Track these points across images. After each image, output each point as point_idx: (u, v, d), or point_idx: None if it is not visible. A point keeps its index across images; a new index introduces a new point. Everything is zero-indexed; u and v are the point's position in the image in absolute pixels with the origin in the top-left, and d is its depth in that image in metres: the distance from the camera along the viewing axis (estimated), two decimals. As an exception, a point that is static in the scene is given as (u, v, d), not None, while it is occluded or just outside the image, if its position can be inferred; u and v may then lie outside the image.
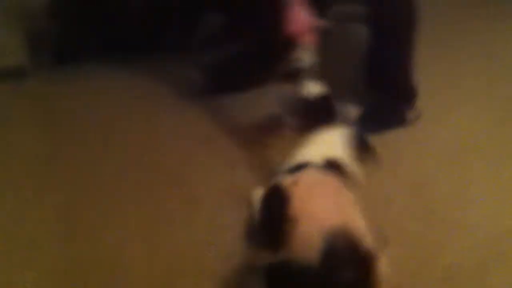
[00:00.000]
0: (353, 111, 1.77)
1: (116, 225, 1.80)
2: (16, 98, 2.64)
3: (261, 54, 2.16)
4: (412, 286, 1.52)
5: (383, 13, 1.91)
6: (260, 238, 1.32)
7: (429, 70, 2.51)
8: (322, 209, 1.13)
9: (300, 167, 1.35)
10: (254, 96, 2.47)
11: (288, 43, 1.65)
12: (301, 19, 1.68)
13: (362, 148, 1.51)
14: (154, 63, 2.78)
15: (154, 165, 2.11)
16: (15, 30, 2.62)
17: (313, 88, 1.56)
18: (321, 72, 1.69)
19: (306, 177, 1.25)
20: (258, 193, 1.61)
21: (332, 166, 1.35)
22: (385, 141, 2.07)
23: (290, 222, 1.09)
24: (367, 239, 1.10)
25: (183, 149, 2.21)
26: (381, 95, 2.11)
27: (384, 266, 1.09)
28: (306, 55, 1.64)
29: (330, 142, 1.48)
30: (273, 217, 1.17)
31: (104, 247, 1.71)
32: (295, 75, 1.64)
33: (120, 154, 2.20)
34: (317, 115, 1.55)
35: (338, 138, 1.50)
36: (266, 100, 2.18)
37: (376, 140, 1.69)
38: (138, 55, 2.75)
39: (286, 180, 1.23)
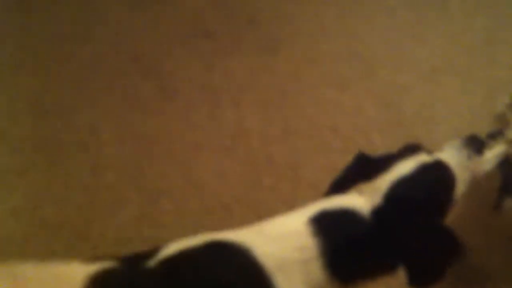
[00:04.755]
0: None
1: (90, 109, 1.87)
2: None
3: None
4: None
5: None
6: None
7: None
8: None
9: None
10: None
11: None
12: None
13: None
14: None
15: (132, 55, 2.14)
16: None
17: None
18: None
19: None
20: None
21: None
22: (360, 55, 2.10)
23: None
24: None
25: (165, 44, 2.22)
26: None
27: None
28: None
29: None
30: None
31: (77, 127, 1.78)
32: None
33: (99, 42, 2.21)
34: None
35: None
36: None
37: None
38: None
39: None
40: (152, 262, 0.82)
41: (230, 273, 0.82)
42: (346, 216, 0.87)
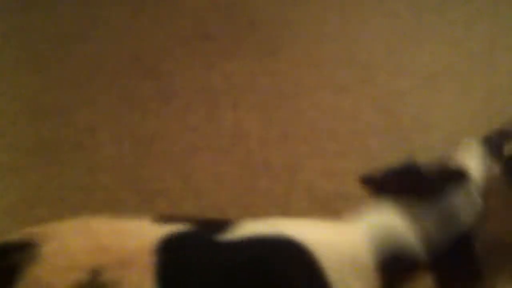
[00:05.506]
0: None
1: (88, 109, 1.87)
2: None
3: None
4: (365, 193, 1.62)
5: None
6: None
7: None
8: None
9: None
10: None
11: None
12: None
13: None
14: None
15: (132, 56, 2.14)
16: None
17: None
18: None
19: None
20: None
21: None
22: (360, 59, 2.10)
23: None
24: None
25: (165, 45, 2.23)
26: None
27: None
28: None
29: None
30: None
31: (75, 127, 1.78)
32: None
33: (98, 42, 2.21)
34: None
35: None
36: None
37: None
38: None
39: None
40: (225, 237, 0.87)
41: (296, 275, 0.88)
42: (400, 243, 0.94)
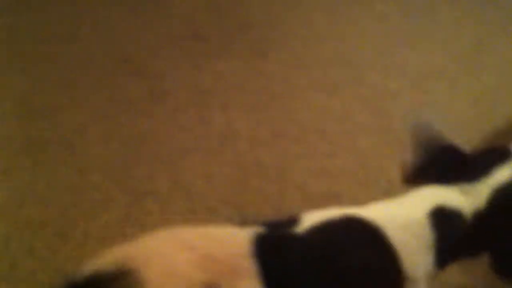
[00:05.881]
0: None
1: (77, 109, 1.86)
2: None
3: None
4: (357, 192, 1.63)
5: None
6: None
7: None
8: None
9: None
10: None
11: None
12: None
13: None
14: None
15: (122, 56, 2.13)
16: None
17: None
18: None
19: None
20: None
21: None
22: (350, 60, 2.11)
23: None
24: None
25: (155, 45, 2.22)
26: None
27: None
28: None
29: None
30: None
31: (64, 127, 1.77)
32: None
33: (87, 42, 2.20)
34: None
35: None
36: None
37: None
38: None
39: None
40: (298, 230, 0.90)
41: (369, 252, 0.91)
42: (455, 215, 0.96)
